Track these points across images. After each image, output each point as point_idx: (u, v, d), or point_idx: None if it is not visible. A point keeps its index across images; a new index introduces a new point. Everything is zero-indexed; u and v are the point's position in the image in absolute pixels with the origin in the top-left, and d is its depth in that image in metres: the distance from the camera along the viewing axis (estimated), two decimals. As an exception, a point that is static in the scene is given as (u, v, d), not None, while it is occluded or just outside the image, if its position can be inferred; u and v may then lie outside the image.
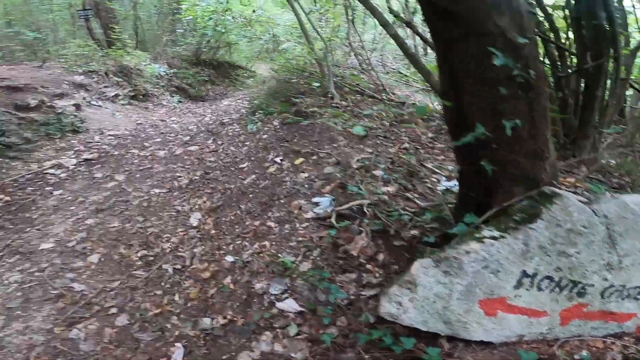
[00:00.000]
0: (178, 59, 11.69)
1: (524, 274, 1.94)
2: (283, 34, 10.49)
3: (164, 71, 9.97)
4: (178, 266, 3.06)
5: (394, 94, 7.21)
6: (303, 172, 3.81)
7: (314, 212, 2.98)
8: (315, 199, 3.13)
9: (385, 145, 4.18)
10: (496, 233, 1.91)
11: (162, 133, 6.71)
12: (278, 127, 5.71)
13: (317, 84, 6.77)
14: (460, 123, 1.93)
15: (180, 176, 4.76)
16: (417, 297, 1.92)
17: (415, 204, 2.88)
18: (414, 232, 2.61)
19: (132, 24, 11.63)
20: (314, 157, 4.04)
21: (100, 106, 7.61)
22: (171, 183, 4.58)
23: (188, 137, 6.31)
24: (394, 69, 10.67)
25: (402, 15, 6.64)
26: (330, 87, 6.30)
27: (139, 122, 7.41)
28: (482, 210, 2.10)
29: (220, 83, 12.65)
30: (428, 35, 3.01)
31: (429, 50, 9.92)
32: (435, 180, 3.46)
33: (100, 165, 5.31)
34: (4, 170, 4.98)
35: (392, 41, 9.47)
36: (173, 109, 9.03)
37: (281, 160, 4.32)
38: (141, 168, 5.16)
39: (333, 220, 2.80)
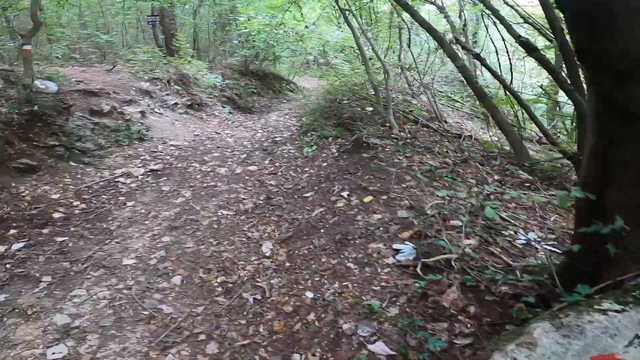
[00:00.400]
0: (229, 68, 12.08)
1: (637, 336, 2.05)
2: (332, 50, 10.68)
3: (219, 81, 10.30)
4: (258, 296, 3.15)
5: (446, 122, 7.22)
6: (375, 212, 3.87)
7: (396, 259, 3.04)
8: (395, 246, 3.19)
9: (454, 189, 4.20)
10: (617, 307, 2.01)
11: (219, 147, 6.93)
12: (336, 154, 5.82)
13: (369, 108, 6.86)
14: (594, 211, 1.96)
15: (244, 198, 4.91)
16: (534, 354, 1.99)
17: (502, 259, 2.90)
18: (504, 288, 2.64)
19: (190, 32, 12.08)
20: (384, 197, 4.10)
21: (162, 114, 7.93)
22: (237, 205, 4.73)
23: (245, 155, 6.49)
24: (441, 91, 10.69)
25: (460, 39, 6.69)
26: (389, 116, 6.35)
27: (196, 133, 7.67)
28: (590, 280, 2.16)
29: (265, 94, 12.93)
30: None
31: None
32: (512, 232, 3.46)
33: (166, 178, 5.53)
34: (79, 176, 5.27)
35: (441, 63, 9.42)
36: (225, 121, 9.30)
37: (348, 195, 4.40)
38: (205, 185, 5.34)
39: (419, 270, 2.84)
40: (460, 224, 3.36)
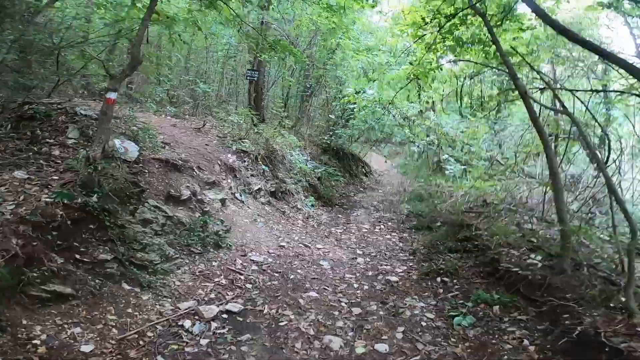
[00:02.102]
0: (314, 144, 10.59)
1: None
2: (448, 144, 8.93)
3: (308, 164, 8.66)
4: None
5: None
6: None
7: None
8: None
9: None
10: None
11: (314, 278, 4.96)
12: (528, 345, 3.63)
13: (537, 257, 4.67)
14: None
15: None
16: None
17: None
18: None
19: (280, 95, 10.77)
20: None
21: (243, 202, 6.19)
22: None
23: (357, 309, 4.44)
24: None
25: None
26: (629, 298, 3.76)
27: (281, 241, 5.79)
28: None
29: (342, 177, 11.23)
30: None
31: None
32: None
33: (249, 337, 3.55)
34: (129, 310, 3.36)
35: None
36: (309, 219, 7.47)
37: None
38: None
39: None
40: None
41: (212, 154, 6.21)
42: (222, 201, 5.51)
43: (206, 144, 6.59)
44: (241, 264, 4.79)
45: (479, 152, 7.77)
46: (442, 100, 8.19)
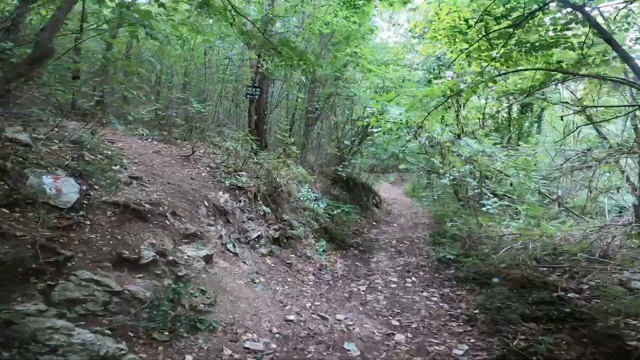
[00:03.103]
0: (324, 174, 9.12)
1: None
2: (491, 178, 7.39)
3: (314, 198, 7.17)
4: None
5: None
6: None
7: None
8: None
9: None
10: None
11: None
12: None
13: None
14: None
15: None
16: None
17: None
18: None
19: (281, 115, 9.37)
20: None
21: (238, 255, 4.65)
22: None
23: None
24: None
25: None
26: None
27: (289, 315, 4.19)
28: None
29: (353, 211, 9.67)
30: None
31: None
32: None
33: None
34: None
35: None
36: (322, 271, 5.90)
37: None
38: None
39: None
40: None
41: (197, 192, 4.75)
42: (207, 258, 3.99)
43: (192, 178, 5.15)
44: (230, 356, 3.21)
45: (527, 186, 6.29)
46: (483, 121, 6.75)
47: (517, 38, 4.52)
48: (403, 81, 8.08)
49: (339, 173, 8.28)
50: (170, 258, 3.46)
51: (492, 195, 7.12)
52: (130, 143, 6.09)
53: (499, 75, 4.74)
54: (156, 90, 8.31)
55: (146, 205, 3.60)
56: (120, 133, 6.32)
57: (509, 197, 6.77)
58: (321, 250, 6.66)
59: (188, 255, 3.75)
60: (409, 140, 6.23)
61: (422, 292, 5.64)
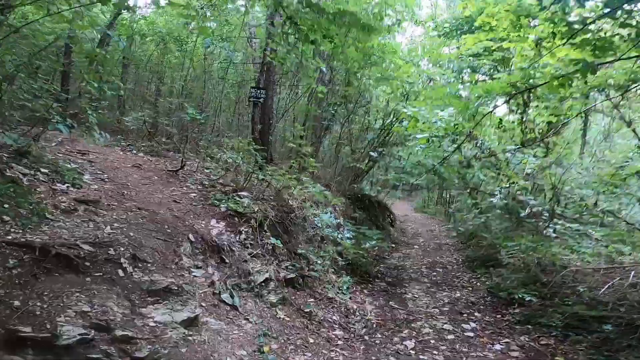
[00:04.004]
0: (339, 191, 7.73)
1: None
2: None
3: (337, 226, 5.77)
4: None
5: None
6: None
7: None
8: None
9: None
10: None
11: None
12: None
13: None
14: None
15: None
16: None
17: None
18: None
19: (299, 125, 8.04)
20: None
21: (237, 309, 3.25)
22: None
23: None
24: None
25: None
26: None
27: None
28: None
29: (379, 233, 8.22)
30: None
31: None
32: None
33: None
34: None
35: None
36: (349, 316, 4.45)
37: None
38: None
39: None
40: None
41: (180, 221, 3.41)
42: (189, 322, 2.61)
43: (176, 200, 3.84)
44: None
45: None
46: (557, 127, 5.32)
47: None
48: (430, 82, 6.82)
49: (362, 192, 6.88)
50: (120, 333, 2.08)
51: (563, 217, 5.66)
52: (108, 155, 4.92)
53: (607, 62, 3.43)
54: (154, 98, 7.23)
55: (84, 247, 2.26)
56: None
57: (579, 219, 5.32)
58: (345, 288, 5.23)
59: (156, 323, 2.37)
60: (456, 149, 4.83)
61: (492, 344, 4.14)
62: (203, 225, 3.61)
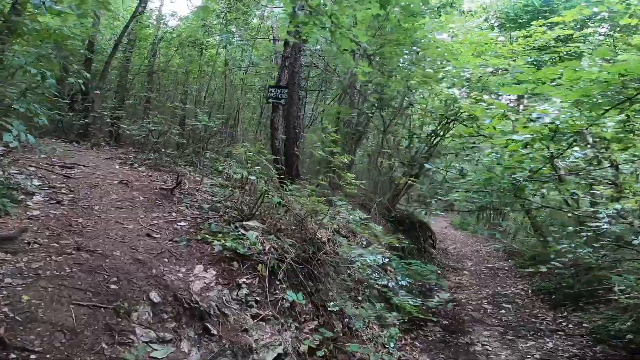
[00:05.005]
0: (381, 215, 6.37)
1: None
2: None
3: (384, 272, 4.34)
4: None
5: None
6: None
7: None
8: None
9: None
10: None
11: None
12: None
13: None
14: None
15: None
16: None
17: None
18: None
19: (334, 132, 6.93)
20: None
21: None
22: None
23: None
24: None
25: None
26: None
27: None
28: None
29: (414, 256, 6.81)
30: None
31: None
32: None
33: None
34: None
35: None
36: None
37: None
38: None
39: None
40: None
41: (142, 269, 2.21)
42: None
43: (151, 234, 2.66)
44: None
45: None
46: None
47: None
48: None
49: (409, 213, 5.49)
50: None
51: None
52: (99, 169, 4.00)
53: None
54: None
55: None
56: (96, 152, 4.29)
57: None
58: (391, 345, 3.78)
59: None
60: (569, 149, 3.40)
61: None
62: (181, 274, 2.38)
